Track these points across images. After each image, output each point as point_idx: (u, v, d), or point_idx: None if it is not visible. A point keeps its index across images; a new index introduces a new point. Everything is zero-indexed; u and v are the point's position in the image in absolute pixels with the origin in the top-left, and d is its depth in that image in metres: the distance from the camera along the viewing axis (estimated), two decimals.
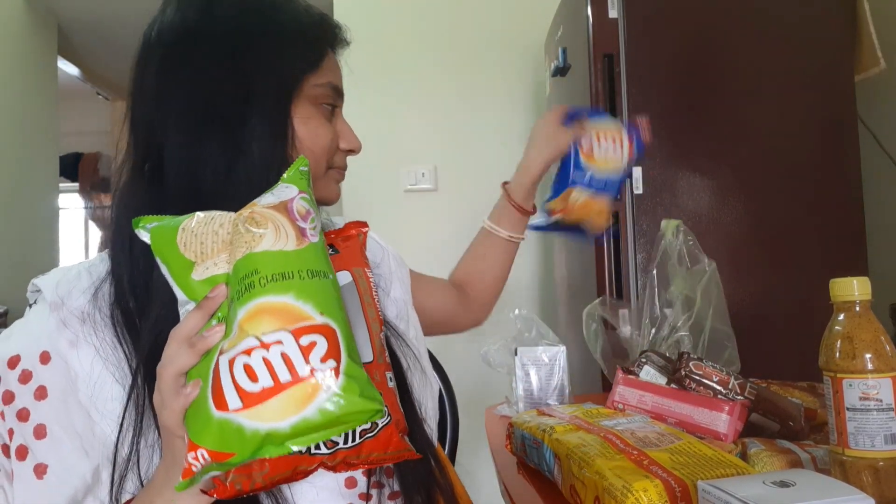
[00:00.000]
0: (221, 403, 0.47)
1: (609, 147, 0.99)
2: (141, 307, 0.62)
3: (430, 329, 0.93)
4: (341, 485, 0.65)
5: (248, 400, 0.46)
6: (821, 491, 0.49)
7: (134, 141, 0.67)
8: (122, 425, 0.59)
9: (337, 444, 0.51)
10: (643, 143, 1.02)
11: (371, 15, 2.48)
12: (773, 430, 0.87)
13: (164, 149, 0.64)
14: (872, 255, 1.50)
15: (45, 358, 0.60)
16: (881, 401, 0.61)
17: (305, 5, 0.72)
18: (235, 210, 0.54)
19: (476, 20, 2.47)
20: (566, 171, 1.00)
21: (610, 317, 1.21)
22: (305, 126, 0.68)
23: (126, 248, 0.63)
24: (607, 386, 1.29)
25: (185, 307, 0.53)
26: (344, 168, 0.76)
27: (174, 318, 0.54)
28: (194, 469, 0.47)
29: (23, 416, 0.59)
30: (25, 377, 0.60)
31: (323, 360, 0.47)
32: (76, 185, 5.33)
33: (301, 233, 0.52)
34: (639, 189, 1.49)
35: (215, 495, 0.50)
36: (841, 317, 0.65)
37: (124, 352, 0.61)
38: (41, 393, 0.59)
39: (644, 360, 1.01)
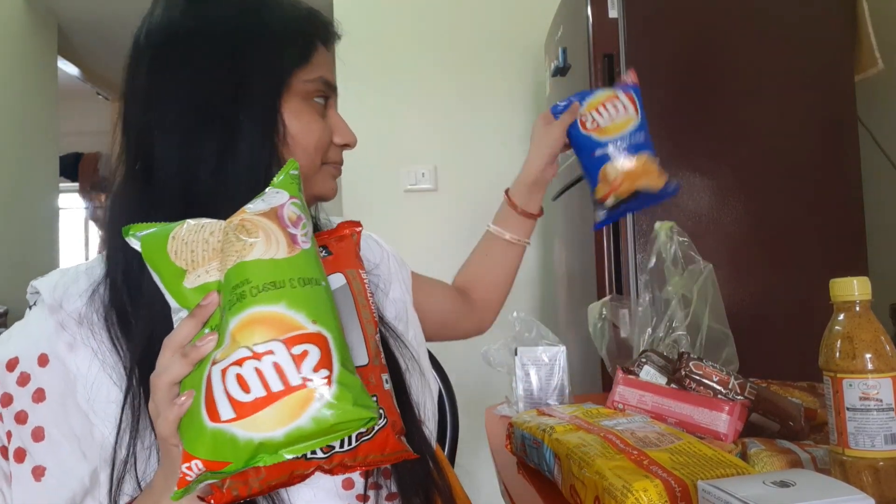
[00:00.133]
0: (214, 414, 0.47)
1: (611, 111, 0.96)
2: (135, 309, 0.62)
3: (433, 333, 0.93)
4: (339, 486, 0.65)
5: (241, 410, 0.46)
6: (821, 491, 0.49)
7: (126, 142, 0.67)
8: (119, 427, 0.59)
9: (333, 447, 0.51)
10: (638, 87, 0.99)
11: (371, 15, 2.48)
12: (773, 430, 0.87)
13: (156, 150, 0.64)
14: (872, 255, 1.50)
15: (43, 360, 0.60)
16: (881, 401, 0.61)
17: (293, 1, 0.72)
18: (229, 210, 0.54)
19: (476, 20, 2.47)
20: (584, 156, 0.97)
21: (613, 317, 1.21)
22: (296, 122, 0.67)
23: (120, 250, 0.63)
24: (607, 386, 1.30)
25: (179, 315, 0.53)
26: (340, 163, 0.75)
27: (165, 319, 0.54)
28: (189, 478, 0.47)
29: (21, 418, 0.59)
30: (24, 379, 0.60)
31: (315, 369, 0.47)
32: (76, 185, 5.33)
33: (292, 240, 0.51)
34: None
35: (212, 501, 0.50)
36: (841, 317, 0.65)
37: (119, 354, 0.61)
38: (39, 395, 0.59)
39: (644, 360, 1.01)
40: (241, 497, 0.50)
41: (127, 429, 0.59)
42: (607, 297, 1.24)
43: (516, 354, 1.13)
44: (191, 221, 0.54)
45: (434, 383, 0.80)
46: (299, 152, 0.67)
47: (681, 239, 1.15)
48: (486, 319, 1.08)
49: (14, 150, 2.95)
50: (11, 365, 0.60)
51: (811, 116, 1.51)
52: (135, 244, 0.54)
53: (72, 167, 5.16)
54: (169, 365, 0.51)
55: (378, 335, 0.59)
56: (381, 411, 0.53)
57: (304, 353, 0.47)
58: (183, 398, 0.49)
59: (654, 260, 1.17)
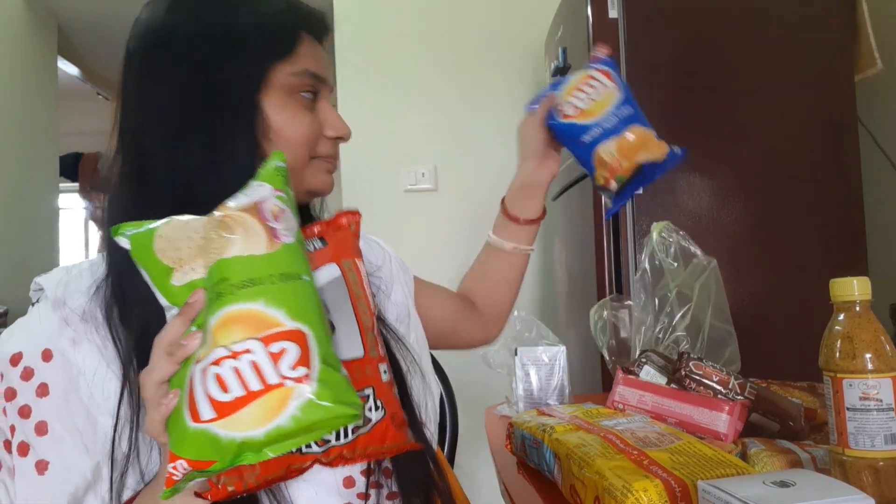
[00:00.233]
0: (196, 414, 0.47)
1: (589, 91, 0.89)
2: (132, 306, 0.62)
3: (437, 340, 0.92)
4: (339, 484, 0.65)
5: (221, 410, 0.46)
6: (821, 491, 0.49)
7: (121, 143, 0.69)
8: (117, 420, 0.59)
9: (329, 441, 0.51)
10: (612, 59, 0.93)
11: (371, 15, 2.48)
12: (773, 430, 0.87)
13: (147, 151, 0.66)
14: (872, 255, 1.50)
15: (46, 356, 0.61)
16: (881, 401, 0.61)
17: None
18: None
19: (476, 20, 2.47)
20: (574, 145, 0.91)
21: (613, 317, 1.21)
22: (279, 117, 0.67)
23: (118, 249, 0.63)
24: (607, 386, 1.30)
25: (170, 312, 0.53)
26: (333, 157, 0.74)
27: (159, 316, 0.54)
28: (175, 478, 0.47)
29: (24, 412, 0.59)
30: (27, 374, 0.60)
31: (293, 367, 0.46)
32: (76, 185, 5.32)
33: (272, 234, 0.51)
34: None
35: (209, 497, 0.50)
36: (841, 317, 0.65)
37: (117, 349, 0.62)
38: (43, 390, 0.60)
39: (644, 360, 1.01)
40: (237, 492, 0.50)
41: (126, 423, 0.60)
42: (608, 297, 1.24)
43: (516, 354, 1.13)
44: (176, 218, 0.53)
45: (436, 387, 0.80)
46: (284, 147, 0.66)
47: (679, 235, 1.15)
48: (493, 329, 1.05)
49: (14, 150, 2.95)
50: (15, 360, 0.61)
51: (811, 116, 1.51)
52: (124, 243, 0.54)
53: (72, 167, 5.16)
54: (156, 363, 0.51)
55: (377, 326, 0.59)
56: (377, 403, 0.53)
57: (282, 351, 0.46)
58: (169, 397, 0.49)
59: (647, 260, 1.17)
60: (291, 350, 0.46)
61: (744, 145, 1.50)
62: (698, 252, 1.15)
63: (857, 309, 0.64)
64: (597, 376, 1.52)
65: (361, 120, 2.44)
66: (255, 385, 0.46)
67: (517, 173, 0.98)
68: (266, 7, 0.69)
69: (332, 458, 0.52)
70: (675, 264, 1.14)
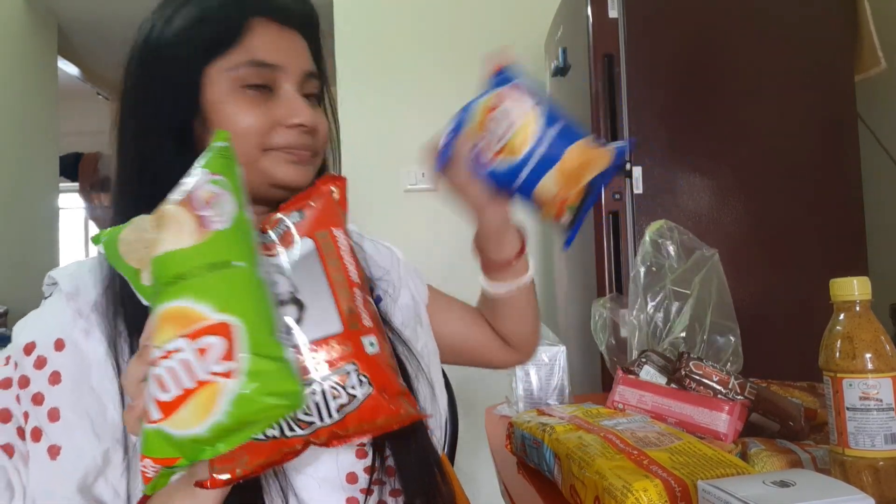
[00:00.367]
0: (147, 415, 0.47)
1: (501, 122, 0.72)
2: (130, 304, 0.63)
3: (456, 356, 0.89)
4: (343, 479, 0.65)
5: (165, 410, 0.46)
6: (821, 491, 0.49)
7: (118, 147, 0.71)
8: (123, 409, 0.60)
9: (313, 423, 0.51)
10: (511, 72, 0.76)
11: (371, 15, 2.48)
12: (773, 430, 0.87)
13: (140, 153, 0.68)
14: (872, 255, 1.50)
15: (59, 345, 0.62)
16: (881, 401, 0.61)
17: None
18: None
19: (476, 20, 2.47)
20: (511, 189, 0.74)
21: (613, 315, 1.21)
22: (220, 114, 0.66)
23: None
24: (607, 386, 1.30)
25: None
26: (293, 146, 0.69)
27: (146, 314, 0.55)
28: (148, 475, 0.48)
29: (37, 400, 0.61)
30: (40, 363, 0.62)
31: (218, 361, 0.46)
32: (76, 185, 5.33)
33: (202, 223, 0.49)
34: (639, 189, 1.49)
35: (208, 486, 0.50)
36: (841, 317, 0.65)
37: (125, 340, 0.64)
38: (55, 378, 0.61)
39: (644, 360, 1.02)
40: (233, 479, 0.50)
41: None
42: (608, 296, 1.24)
43: None
44: (136, 219, 0.53)
45: (443, 396, 0.79)
46: (236, 143, 0.64)
47: (679, 230, 1.15)
48: (524, 356, 0.95)
49: (14, 150, 2.95)
50: (29, 349, 0.62)
51: (811, 116, 1.51)
52: (101, 250, 0.54)
53: (72, 167, 5.16)
54: (131, 367, 0.52)
55: (361, 296, 0.56)
56: (362, 378, 0.51)
57: (208, 347, 0.46)
58: (139, 401, 0.50)
59: (640, 261, 1.17)
60: (217, 345, 0.46)
61: (744, 145, 1.50)
62: (702, 246, 1.14)
63: (857, 309, 0.64)
64: (597, 376, 1.52)
65: (361, 120, 2.45)
66: (187, 383, 0.46)
67: (475, 232, 0.83)
68: (204, 4, 0.68)
69: (325, 439, 0.52)
70: (674, 261, 1.13)
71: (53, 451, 0.60)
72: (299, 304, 0.53)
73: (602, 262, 1.53)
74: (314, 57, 0.74)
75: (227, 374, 0.45)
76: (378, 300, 0.78)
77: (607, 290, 1.51)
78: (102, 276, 0.66)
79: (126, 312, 0.63)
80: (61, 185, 3.75)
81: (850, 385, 0.62)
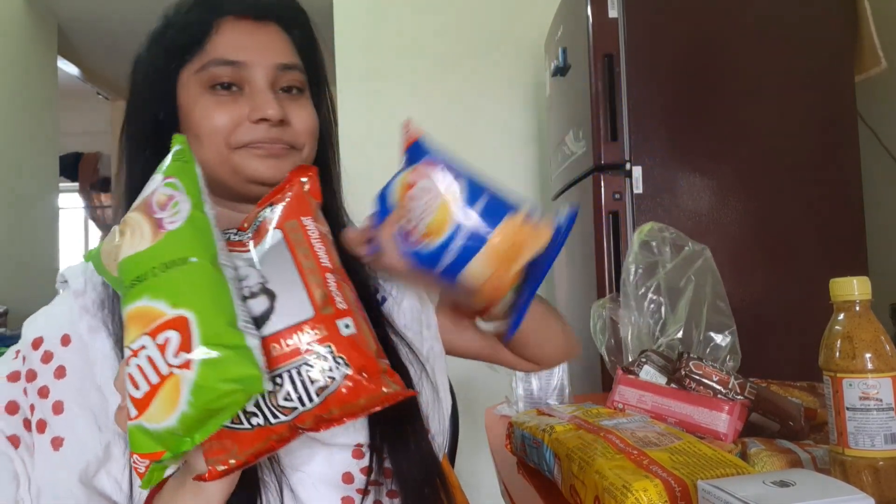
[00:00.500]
0: (128, 413, 0.50)
1: (419, 204, 0.63)
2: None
3: (475, 359, 0.86)
4: (339, 478, 0.66)
5: (139, 406, 0.49)
6: (821, 491, 0.49)
7: (118, 152, 0.73)
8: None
9: (295, 408, 0.51)
10: (422, 141, 0.70)
11: (371, 15, 2.48)
12: (773, 430, 0.87)
13: (126, 161, 0.72)
14: (872, 255, 1.50)
15: (65, 340, 0.65)
16: (881, 400, 0.61)
17: None
18: None
19: (476, 20, 2.47)
20: (435, 275, 0.64)
21: (613, 314, 1.21)
22: (192, 115, 0.68)
23: None
24: (607, 386, 1.30)
25: None
26: (261, 141, 0.68)
27: None
28: (140, 470, 0.50)
29: (43, 393, 0.63)
30: (47, 357, 0.64)
31: (176, 354, 0.48)
32: (76, 185, 5.33)
33: (157, 225, 0.52)
34: (639, 189, 1.49)
35: (207, 478, 0.52)
36: (841, 317, 0.65)
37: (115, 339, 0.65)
38: (60, 372, 0.63)
39: (644, 359, 1.02)
40: (229, 471, 0.52)
41: None
42: (608, 296, 1.24)
43: None
44: (112, 230, 0.56)
45: (447, 400, 0.78)
46: (205, 142, 0.68)
47: (666, 229, 1.15)
48: (552, 364, 0.89)
49: (14, 150, 2.95)
50: (36, 344, 0.65)
51: (811, 116, 1.51)
52: (88, 267, 0.57)
53: (72, 167, 5.17)
54: (120, 368, 0.53)
55: (334, 280, 0.56)
56: (338, 360, 0.52)
57: (167, 341, 0.48)
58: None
59: (631, 261, 1.17)
60: (173, 338, 0.48)
61: (744, 145, 1.50)
62: (689, 243, 1.14)
63: (857, 309, 0.64)
64: (597, 376, 1.52)
65: (361, 120, 2.45)
66: (153, 378, 0.48)
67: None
68: (177, 9, 0.70)
69: (311, 424, 0.52)
70: (667, 260, 1.13)
71: (56, 443, 0.62)
72: (270, 294, 0.54)
73: (602, 262, 1.53)
74: (301, 47, 0.74)
75: (184, 366, 0.47)
76: (382, 301, 0.78)
77: (607, 291, 1.51)
78: None
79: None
80: (61, 185, 3.75)
81: (850, 385, 0.62)
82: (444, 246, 0.61)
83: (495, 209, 0.62)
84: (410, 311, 0.80)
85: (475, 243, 0.61)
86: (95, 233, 5.50)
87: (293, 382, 0.52)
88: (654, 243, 1.16)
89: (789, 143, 1.51)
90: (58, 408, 0.63)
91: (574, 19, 1.68)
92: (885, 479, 0.61)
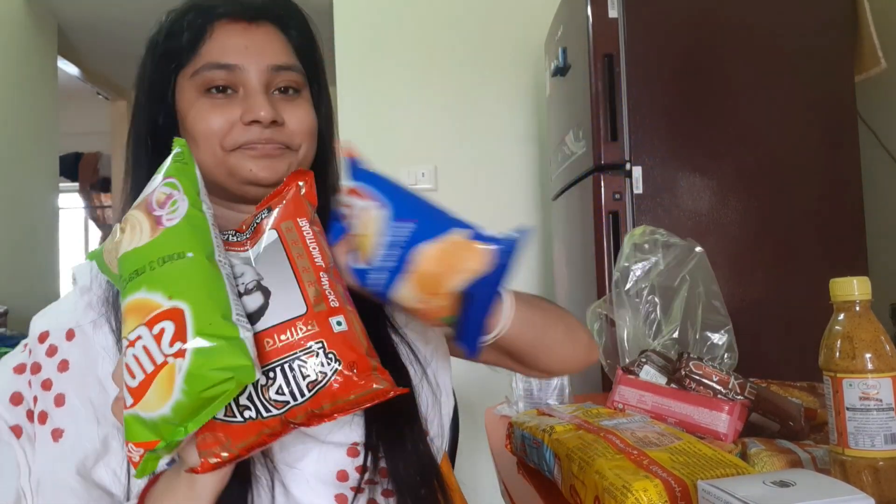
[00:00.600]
0: (125, 403, 0.51)
1: (353, 222, 0.62)
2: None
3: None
4: (333, 476, 0.66)
5: (135, 395, 0.50)
6: (821, 491, 0.49)
7: (125, 155, 0.75)
8: None
9: (287, 402, 0.53)
10: (354, 161, 0.67)
11: (371, 15, 2.48)
12: (773, 430, 0.87)
13: (130, 163, 0.73)
14: (872, 255, 1.50)
15: (70, 335, 0.66)
16: (881, 401, 0.61)
17: (183, 1, 0.72)
18: None
19: (476, 20, 2.47)
20: (368, 286, 0.62)
21: (609, 312, 1.21)
22: (187, 119, 0.69)
23: None
24: (607, 386, 1.30)
25: None
26: (254, 142, 0.69)
27: None
28: (134, 460, 0.51)
29: (46, 385, 0.65)
30: (52, 351, 0.66)
31: (171, 343, 0.49)
32: (76, 185, 5.33)
33: (156, 221, 0.55)
34: (639, 189, 1.49)
35: (199, 471, 0.53)
36: (841, 317, 0.65)
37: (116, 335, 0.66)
38: (63, 366, 0.65)
39: (644, 360, 1.02)
40: (221, 464, 0.53)
41: None
42: (603, 298, 1.24)
43: None
44: (114, 229, 0.58)
45: (448, 403, 0.78)
46: (202, 144, 0.69)
47: (656, 231, 1.15)
48: (563, 372, 0.86)
49: (14, 150, 2.95)
50: (42, 338, 0.66)
51: (811, 116, 1.51)
52: (93, 265, 0.60)
53: (72, 167, 5.16)
54: (119, 361, 0.55)
55: (327, 279, 0.58)
56: (330, 355, 0.53)
57: (162, 331, 0.50)
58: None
59: (622, 262, 1.17)
60: (169, 328, 0.50)
61: (744, 145, 1.50)
62: (681, 243, 1.14)
63: (857, 309, 0.64)
64: (597, 376, 1.52)
65: (361, 120, 2.45)
66: (149, 367, 0.50)
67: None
68: (172, 15, 0.72)
69: (303, 419, 0.54)
70: (658, 259, 1.13)
71: (56, 434, 0.64)
72: (265, 291, 0.56)
73: (602, 262, 1.53)
74: (298, 46, 0.74)
75: (179, 354, 0.49)
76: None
77: (607, 290, 1.51)
78: None
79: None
80: (61, 185, 3.75)
81: (850, 385, 0.62)
82: (375, 267, 0.61)
83: (423, 232, 0.60)
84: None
85: (399, 265, 0.60)
86: (95, 233, 5.50)
87: (285, 377, 0.53)
88: (646, 245, 1.16)
89: (789, 143, 1.51)
90: (59, 400, 0.64)
91: (574, 19, 1.68)
92: (885, 479, 0.61)
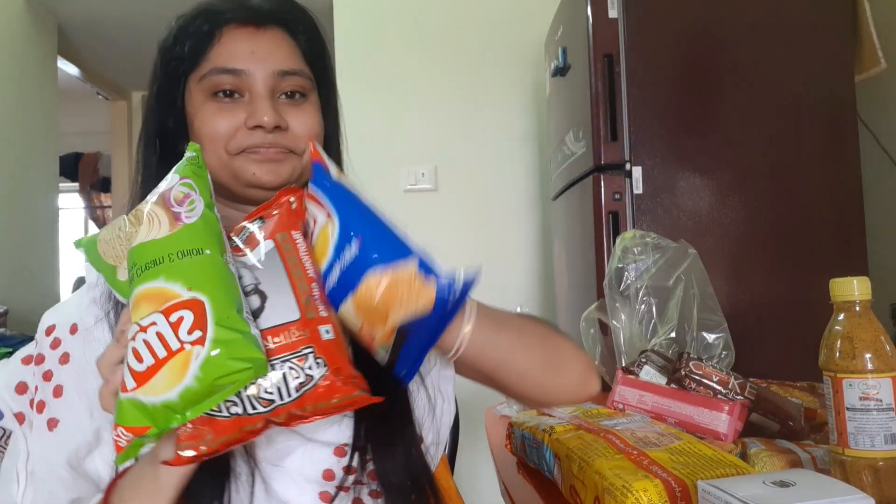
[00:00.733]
0: (123, 386, 0.53)
1: (311, 226, 0.63)
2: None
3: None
4: (319, 475, 0.67)
5: (139, 379, 0.52)
6: (821, 491, 0.49)
7: (136, 155, 0.77)
8: None
9: (273, 401, 0.55)
10: (318, 165, 0.65)
11: (371, 15, 2.48)
12: (773, 430, 0.87)
13: (140, 163, 0.75)
14: (872, 255, 1.50)
15: (73, 329, 0.69)
16: (881, 401, 0.61)
17: (194, 5, 0.73)
18: None
19: (476, 20, 2.47)
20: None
21: (603, 317, 1.21)
22: (195, 121, 0.71)
23: None
24: (607, 386, 1.30)
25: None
26: (258, 146, 0.69)
27: None
28: (121, 444, 0.53)
29: (47, 376, 0.68)
30: (56, 344, 0.69)
31: (189, 331, 0.51)
32: (76, 185, 5.33)
33: (175, 218, 0.57)
34: (639, 189, 1.49)
35: (173, 463, 0.54)
36: (841, 317, 0.65)
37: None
38: (64, 358, 0.68)
39: (644, 360, 1.02)
40: (198, 457, 0.54)
41: None
42: (594, 305, 1.24)
43: None
44: (114, 221, 0.60)
45: (448, 413, 0.77)
46: (206, 147, 0.70)
47: (647, 234, 1.15)
48: (541, 405, 0.84)
49: (14, 150, 2.95)
50: (49, 331, 0.69)
51: (811, 116, 1.51)
52: (80, 252, 0.61)
53: (72, 167, 5.16)
54: (108, 349, 0.57)
55: (317, 291, 0.60)
56: (318, 360, 0.56)
57: (181, 319, 0.52)
58: (116, 374, 0.55)
59: (614, 267, 1.17)
60: (188, 317, 0.52)
61: (744, 145, 1.50)
62: (672, 244, 1.14)
63: (857, 309, 0.64)
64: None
65: (361, 120, 2.44)
66: (161, 352, 0.51)
67: None
68: (181, 20, 0.73)
69: (283, 418, 0.56)
70: (649, 262, 1.13)
71: (52, 424, 0.66)
72: (262, 295, 0.59)
73: (602, 263, 1.53)
74: (307, 51, 0.75)
75: (198, 342, 0.51)
76: None
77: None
78: None
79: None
80: (61, 185, 3.75)
81: (850, 385, 0.62)
82: (326, 280, 0.60)
83: (367, 254, 0.58)
84: None
85: (343, 286, 0.58)
86: (95, 233, 5.49)
87: (276, 376, 0.56)
88: (636, 249, 1.17)
89: (789, 144, 1.51)
90: (58, 391, 0.67)
91: (574, 19, 1.68)
92: (885, 479, 0.61)
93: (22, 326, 2.41)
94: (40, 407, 0.67)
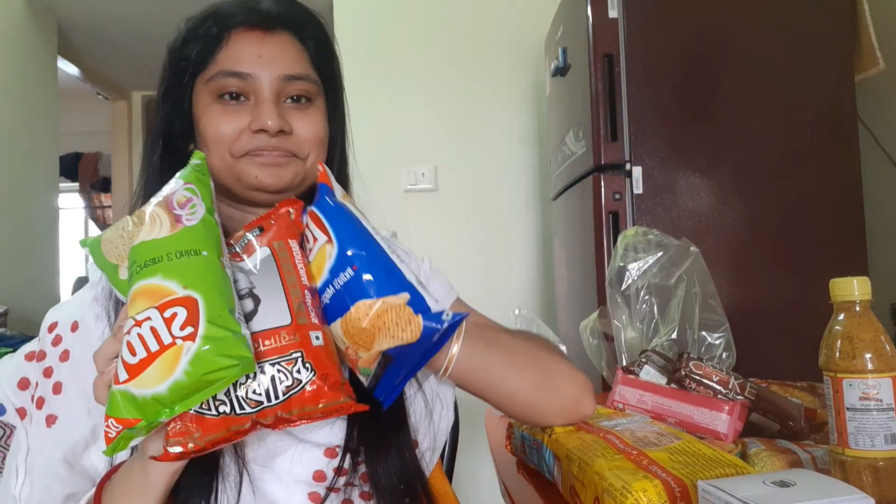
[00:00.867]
0: (116, 378, 0.54)
1: (307, 246, 0.65)
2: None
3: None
4: (310, 476, 0.67)
5: (132, 371, 0.53)
6: (821, 491, 0.49)
7: (142, 155, 0.78)
8: None
9: (261, 402, 0.57)
10: (324, 187, 0.67)
11: (371, 15, 2.48)
12: (773, 430, 0.87)
13: (147, 164, 0.76)
14: (872, 254, 1.50)
15: (74, 327, 0.70)
16: (881, 401, 0.61)
17: (204, 8, 0.74)
18: None
19: (476, 20, 2.47)
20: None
21: (605, 328, 1.20)
22: (201, 123, 0.72)
23: None
24: (607, 386, 1.29)
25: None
26: (261, 149, 0.70)
27: None
28: (110, 436, 0.54)
29: (48, 373, 0.69)
30: (57, 341, 0.70)
31: (182, 327, 0.53)
32: (76, 185, 5.33)
33: (176, 220, 0.59)
34: (639, 189, 1.49)
35: (161, 459, 0.56)
36: (841, 317, 0.65)
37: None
38: (64, 356, 0.69)
39: (644, 360, 1.01)
40: (186, 454, 0.56)
41: None
42: (595, 312, 1.24)
43: None
44: (118, 221, 0.62)
45: (446, 418, 0.78)
46: (211, 149, 0.71)
47: (649, 232, 1.15)
48: (534, 423, 0.79)
49: (14, 150, 2.95)
50: (51, 328, 0.70)
51: (811, 116, 1.51)
52: (85, 251, 0.64)
53: (72, 167, 5.16)
54: (105, 344, 0.58)
55: (310, 299, 0.62)
56: (307, 365, 0.58)
57: (174, 315, 0.54)
58: (110, 367, 0.56)
59: (616, 266, 1.16)
60: (181, 313, 0.54)
61: (744, 145, 1.50)
62: (674, 241, 1.14)
63: (857, 309, 0.64)
64: (597, 376, 1.52)
65: (361, 120, 2.44)
66: (154, 346, 0.53)
67: None
68: (191, 23, 0.73)
69: (270, 420, 0.57)
70: (651, 260, 1.13)
71: (50, 420, 0.67)
72: (255, 299, 0.61)
73: (602, 263, 1.53)
74: (315, 55, 0.75)
75: (189, 337, 0.53)
76: None
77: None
78: None
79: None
80: (61, 185, 3.75)
81: (850, 385, 0.62)
82: (321, 295, 0.63)
83: (360, 288, 0.60)
84: None
85: (335, 309, 0.62)
86: (95, 233, 5.49)
87: (264, 378, 0.57)
88: (639, 246, 1.16)
89: (789, 144, 1.51)
90: (57, 388, 0.68)
91: (574, 19, 1.68)
92: (885, 479, 0.61)
93: (22, 326, 2.40)
94: (40, 403, 0.68)
